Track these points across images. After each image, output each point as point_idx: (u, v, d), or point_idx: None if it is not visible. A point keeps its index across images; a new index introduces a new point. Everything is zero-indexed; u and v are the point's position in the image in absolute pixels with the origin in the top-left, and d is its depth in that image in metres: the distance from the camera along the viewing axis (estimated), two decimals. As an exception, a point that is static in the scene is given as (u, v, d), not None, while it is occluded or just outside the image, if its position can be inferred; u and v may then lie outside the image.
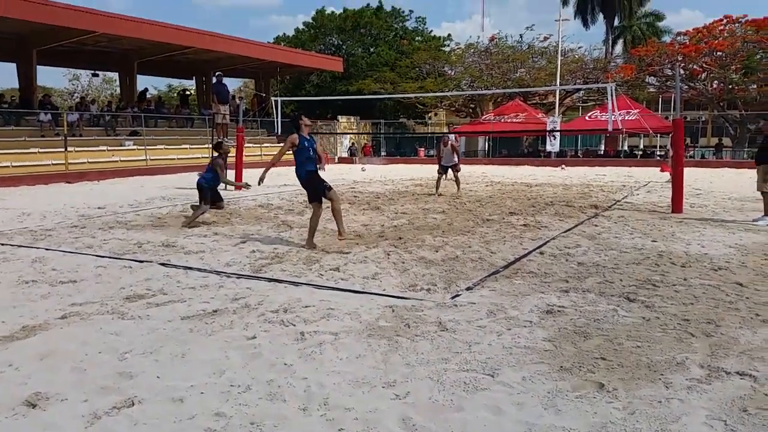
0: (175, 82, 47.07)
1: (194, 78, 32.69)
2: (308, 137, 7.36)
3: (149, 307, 4.89)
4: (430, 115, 40.97)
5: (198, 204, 9.26)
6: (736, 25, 28.91)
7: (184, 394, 3.27)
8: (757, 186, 9.55)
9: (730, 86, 29.99)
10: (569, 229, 8.73)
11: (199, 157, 22.34)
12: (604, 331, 4.25)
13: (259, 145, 26.74)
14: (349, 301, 5.04)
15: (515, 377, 3.48)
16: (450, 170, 14.22)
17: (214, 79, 16.94)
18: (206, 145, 18.99)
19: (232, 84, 51.54)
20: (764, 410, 3.05)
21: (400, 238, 7.89)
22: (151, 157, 21.99)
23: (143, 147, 21.90)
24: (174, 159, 22.72)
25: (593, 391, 3.29)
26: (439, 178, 14.26)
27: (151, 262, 6.55)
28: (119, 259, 6.75)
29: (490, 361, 3.71)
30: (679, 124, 11.11)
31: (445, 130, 38.23)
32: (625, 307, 4.82)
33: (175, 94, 40.42)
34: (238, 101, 17.47)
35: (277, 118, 15.53)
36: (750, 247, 7.31)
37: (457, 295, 5.21)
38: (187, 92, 33.67)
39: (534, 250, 7.22)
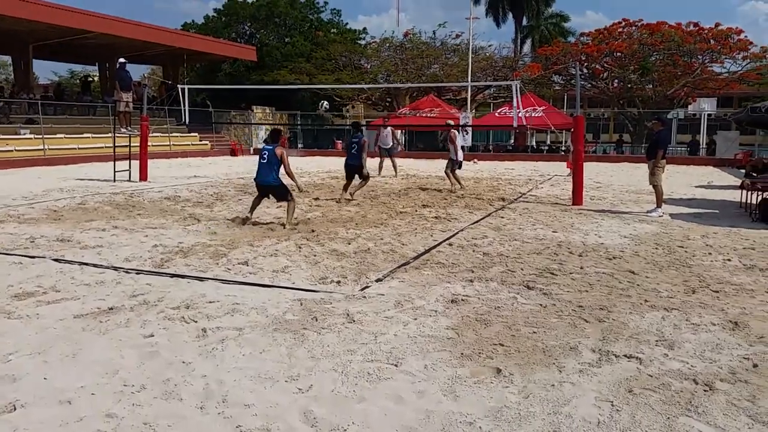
0: (78, 68, 44.44)
1: (97, 64, 30.99)
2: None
3: (39, 305, 4.61)
4: (347, 107, 40.81)
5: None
6: (633, 28, 30.69)
7: (72, 396, 3.10)
8: (648, 180, 10.21)
9: (629, 85, 31.79)
10: (477, 221, 8.98)
11: (101, 147, 21.17)
12: (504, 318, 4.40)
13: (167, 135, 25.71)
14: (257, 295, 4.95)
15: (418, 365, 3.53)
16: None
17: (117, 65, 16.06)
18: (108, 134, 17.99)
19: (140, 70, 49.31)
20: (648, 390, 3.26)
21: (313, 231, 7.83)
22: (50, 147, 20.65)
23: (41, 136, 20.53)
24: (75, 149, 21.44)
25: (491, 377, 3.40)
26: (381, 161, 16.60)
27: (43, 257, 6.17)
28: (8, 254, 6.31)
29: (395, 351, 3.75)
30: (579, 120, 11.62)
31: (363, 122, 38.20)
32: (525, 295, 5.01)
33: (77, 81, 38.12)
34: (142, 88, 16.64)
35: (184, 106, 14.95)
36: (642, 237, 7.80)
37: (367, 287, 5.24)
38: (90, 79, 31.86)
39: (443, 241, 7.37)
